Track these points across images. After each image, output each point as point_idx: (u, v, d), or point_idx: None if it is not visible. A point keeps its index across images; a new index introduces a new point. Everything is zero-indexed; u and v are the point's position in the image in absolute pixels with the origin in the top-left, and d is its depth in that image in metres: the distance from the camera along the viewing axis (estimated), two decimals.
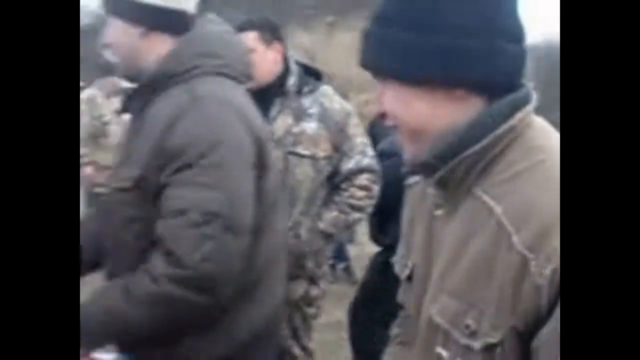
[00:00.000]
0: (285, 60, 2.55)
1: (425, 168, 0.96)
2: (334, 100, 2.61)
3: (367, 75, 1.00)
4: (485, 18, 0.89)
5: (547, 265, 0.81)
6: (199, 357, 1.51)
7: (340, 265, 5.83)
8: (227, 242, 1.40)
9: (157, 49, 1.54)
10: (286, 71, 2.53)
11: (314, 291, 2.66)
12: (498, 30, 0.90)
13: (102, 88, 6.03)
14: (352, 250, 5.89)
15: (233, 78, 1.57)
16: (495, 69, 0.90)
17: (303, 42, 16.35)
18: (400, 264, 1.13)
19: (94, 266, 1.68)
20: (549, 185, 0.85)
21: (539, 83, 0.97)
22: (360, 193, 2.59)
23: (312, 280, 2.65)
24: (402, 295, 1.15)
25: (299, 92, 2.53)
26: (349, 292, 3.66)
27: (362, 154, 2.59)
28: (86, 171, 5.48)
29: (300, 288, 2.57)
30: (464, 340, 0.88)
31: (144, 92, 1.54)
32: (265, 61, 2.46)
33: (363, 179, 2.59)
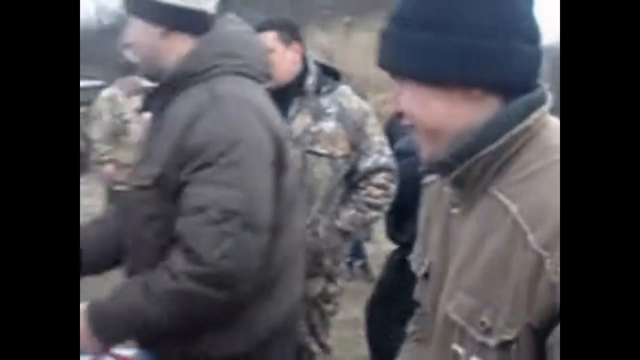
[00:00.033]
0: (304, 60, 2.57)
1: (442, 167, 0.96)
2: (352, 99, 2.62)
3: (384, 75, 1.01)
4: (501, 19, 0.90)
5: None
6: (218, 353, 1.52)
7: (358, 263, 5.83)
8: (246, 239, 1.42)
9: (178, 48, 1.55)
10: (305, 71, 2.55)
11: (332, 288, 2.68)
12: (514, 30, 0.90)
13: (123, 87, 6.08)
14: (369, 248, 5.89)
15: (252, 77, 1.58)
16: (511, 69, 0.90)
17: (321, 42, 16.35)
18: (417, 262, 1.13)
19: (115, 263, 1.70)
20: None
21: (555, 84, 0.96)
22: (378, 191, 2.60)
23: (330, 278, 2.67)
24: (419, 292, 1.15)
25: (318, 92, 2.55)
26: (366, 290, 3.67)
27: (379, 152, 2.60)
28: (107, 169, 5.53)
29: (318, 285, 2.58)
30: (480, 337, 0.88)
31: (164, 91, 1.56)
32: (284, 61, 2.48)
33: (380, 178, 2.60)
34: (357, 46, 15.78)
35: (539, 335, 0.85)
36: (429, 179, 1.14)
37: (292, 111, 2.50)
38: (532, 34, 0.93)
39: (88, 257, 1.62)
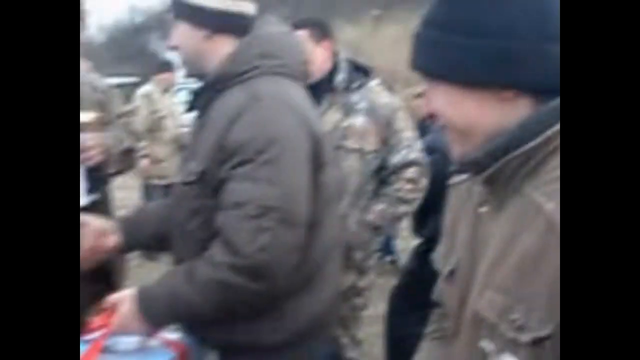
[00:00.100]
0: (335, 57, 2.60)
1: (475, 166, 0.97)
2: (382, 95, 2.65)
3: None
4: (533, 20, 0.90)
5: None
6: (259, 342, 1.59)
7: (387, 259, 5.83)
8: (283, 234, 1.47)
9: (221, 50, 1.62)
10: (335, 68, 2.59)
11: (362, 282, 2.71)
12: (545, 32, 0.91)
13: (158, 84, 6.17)
14: (399, 244, 5.88)
15: (291, 77, 1.64)
16: (544, 71, 0.91)
17: (349, 36, 16.32)
18: (442, 262, 1.14)
19: (160, 249, 1.80)
20: None
21: None
22: (408, 186, 2.62)
23: (360, 272, 2.69)
24: (440, 292, 1.17)
25: (348, 88, 2.58)
26: None
27: (409, 147, 2.62)
28: (142, 164, 5.63)
29: (348, 279, 2.60)
30: (511, 334, 0.88)
31: (208, 91, 1.63)
32: (315, 59, 2.50)
33: (410, 172, 2.62)
34: (385, 39, 15.71)
35: None
36: (456, 179, 1.15)
37: (322, 107, 2.53)
38: (559, 35, 0.93)
39: (149, 234, 1.77)
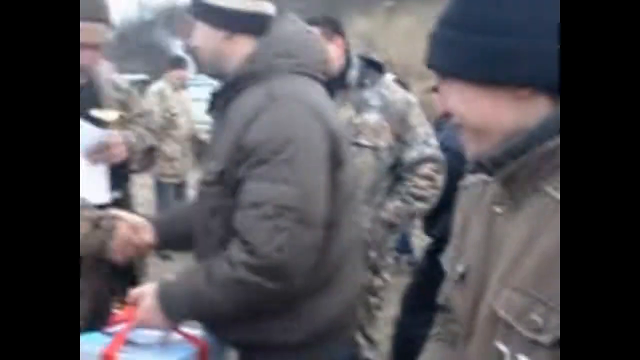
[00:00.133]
0: (347, 54, 2.60)
1: (492, 164, 0.97)
2: (396, 91, 2.63)
3: None
4: (549, 19, 0.89)
5: None
6: (277, 341, 1.60)
7: (405, 258, 5.79)
8: (300, 234, 1.48)
9: (240, 50, 1.63)
10: (347, 65, 2.58)
11: (377, 281, 2.69)
12: None
13: (170, 81, 6.17)
14: (416, 243, 5.84)
15: (310, 76, 1.65)
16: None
17: (361, 28, 16.28)
18: (451, 265, 1.13)
19: (189, 248, 1.81)
20: None
21: None
22: (424, 182, 2.59)
23: (375, 271, 2.67)
24: (448, 296, 1.16)
25: (361, 85, 2.57)
26: None
27: (424, 143, 2.59)
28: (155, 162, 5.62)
29: (363, 278, 2.57)
30: (530, 335, 0.87)
31: (227, 90, 1.65)
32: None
33: (426, 169, 2.59)
34: (398, 31, 15.66)
35: None
36: (467, 179, 1.15)
37: (335, 104, 2.50)
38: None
39: (180, 233, 1.80)
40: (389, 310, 3.26)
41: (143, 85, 7.42)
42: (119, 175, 2.14)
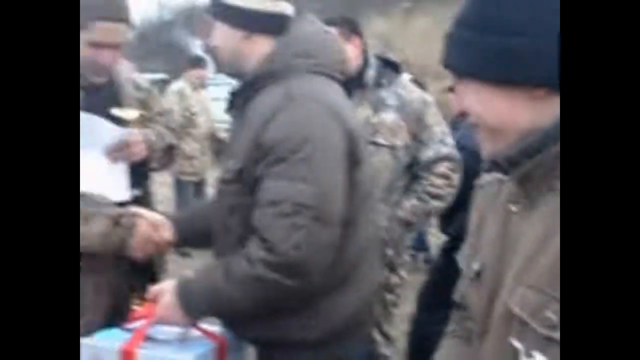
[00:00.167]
0: (364, 54, 2.60)
1: (508, 163, 0.97)
2: (412, 90, 2.64)
3: None
4: None
5: None
6: (294, 339, 1.61)
7: (421, 256, 5.78)
8: (317, 232, 1.49)
9: (259, 49, 1.65)
10: (365, 65, 2.59)
11: (394, 279, 2.70)
12: None
13: (189, 80, 6.20)
14: (433, 241, 5.83)
15: (328, 76, 1.66)
16: None
17: (379, 29, 16.22)
18: (467, 262, 1.14)
19: (209, 246, 1.83)
20: None
21: None
22: (440, 181, 2.60)
23: (392, 268, 2.68)
24: (463, 293, 1.16)
25: (378, 84, 2.58)
26: None
27: (441, 142, 2.60)
28: (175, 160, 5.66)
29: (380, 276, 2.59)
30: (545, 332, 0.88)
31: (246, 90, 1.66)
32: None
33: (442, 167, 2.60)
34: (416, 32, 15.59)
35: None
36: (483, 178, 1.15)
37: (352, 104, 2.51)
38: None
39: (199, 231, 1.83)
40: (406, 307, 3.25)
41: (163, 84, 7.46)
42: (139, 173, 2.15)
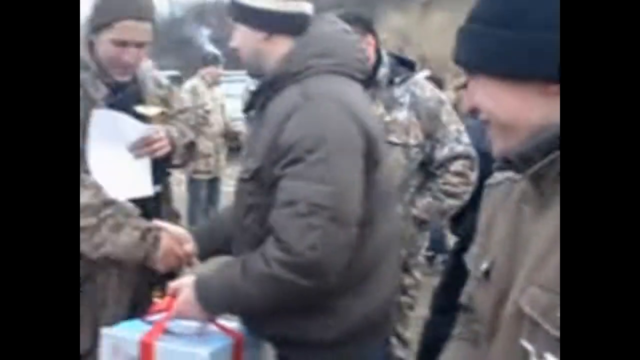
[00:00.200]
0: (378, 52, 2.59)
1: (521, 161, 0.96)
2: (426, 88, 2.64)
3: None
4: None
5: None
6: (312, 337, 1.62)
7: (440, 258, 5.73)
8: (333, 232, 1.49)
9: (279, 50, 1.66)
10: (378, 63, 2.58)
11: (407, 280, 2.68)
12: None
13: (204, 78, 6.20)
14: (451, 243, 5.78)
15: (347, 75, 1.67)
16: None
17: (396, 24, 16.18)
18: (475, 262, 1.13)
19: (225, 254, 1.86)
20: None
21: None
22: (455, 179, 2.59)
23: (406, 269, 2.66)
24: (470, 295, 1.16)
25: (391, 82, 2.58)
26: None
27: (456, 141, 2.59)
28: (195, 157, 5.67)
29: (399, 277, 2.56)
30: (557, 333, 0.86)
31: (265, 90, 1.67)
32: None
33: (458, 165, 2.59)
34: (434, 27, 15.50)
35: None
36: (493, 178, 1.14)
37: None
38: None
39: (221, 242, 1.85)
40: (421, 310, 3.23)
41: (175, 81, 7.48)
42: (160, 170, 2.19)
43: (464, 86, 4.28)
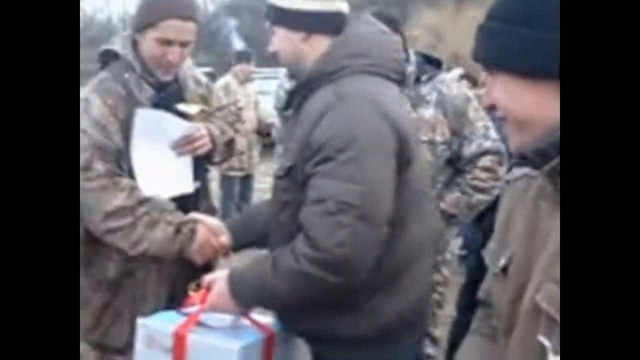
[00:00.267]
0: (405, 51, 2.57)
1: (537, 157, 0.97)
2: (452, 86, 2.65)
3: None
4: None
5: None
6: (343, 334, 1.64)
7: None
8: (361, 230, 1.51)
9: (317, 49, 1.69)
10: (405, 61, 2.55)
11: (437, 277, 2.65)
12: None
13: (236, 75, 6.24)
14: None
15: (383, 75, 1.68)
16: None
17: (430, 21, 16.05)
18: (493, 258, 1.14)
19: (258, 246, 1.92)
20: None
21: None
22: (484, 174, 2.59)
23: (434, 266, 2.63)
24: (488, 290, 1.17)
25: (418, 80, 2.59)
26: None
27: (484, 137, 2.59)
28: (234, 153, 5.71)
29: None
30: None
31: (301, 89, 1.71)
32: None
33: (486, 161, 2.59)
34: (467, 24, 15.34)
35: None
36: (511, 175, 1.16)
37: None
38: None
39: (255, 234, 1.91)
40: (450, 308, 3.23)
41: (209, 78, 7.55)
42: (200, 167, 2.24)
43: None
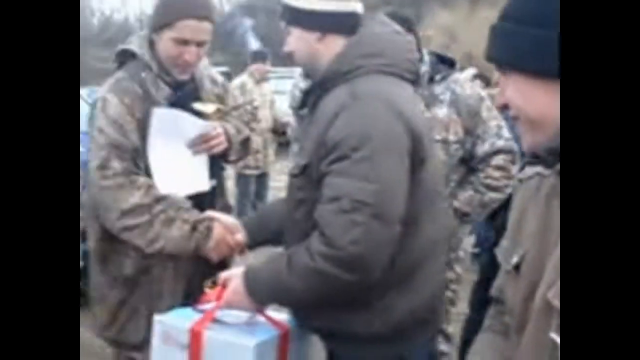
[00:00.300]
0: (419, 50, 2.57)
1: (550, 155, 0.98)
2: (466, 86, 2.65)
3: None
4: None
5: None
6: (357, 331, 1.65)
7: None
8: (375, 229, 1.52)
9: (332, 49, 1.70)
10: (419, 61, 2.56)
11: (449, 274, 2.65)
12: None
13: (252, 74, 6.26)
14: None
15: (397, 75, 1.69)
16: None
17: (444, 21, 15.98)
18: (505, 256, 1.15)
19: (273, 243, 1.94)
20: None
21: None
22: (497, 173, 2.59)
23: (447, 263, 2.64)
24: (500, 287, 1.18)
25: (431, 80, 2.60)
26: None
27: (496, 136, 2.60)
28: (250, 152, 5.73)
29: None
30: None
31: (317, 89, 1.72)
32: None
33: (499, 159, 2.59)
34: (481, 24, 15.28)
35: None
36: (523, 174, 1.17)
37: None
38: None
39: (270, 231, 1.93)
40: (463, 305, 3.23)
41: (225, 77, 7.57)
42: (216, 165, 2.25)
43: None
